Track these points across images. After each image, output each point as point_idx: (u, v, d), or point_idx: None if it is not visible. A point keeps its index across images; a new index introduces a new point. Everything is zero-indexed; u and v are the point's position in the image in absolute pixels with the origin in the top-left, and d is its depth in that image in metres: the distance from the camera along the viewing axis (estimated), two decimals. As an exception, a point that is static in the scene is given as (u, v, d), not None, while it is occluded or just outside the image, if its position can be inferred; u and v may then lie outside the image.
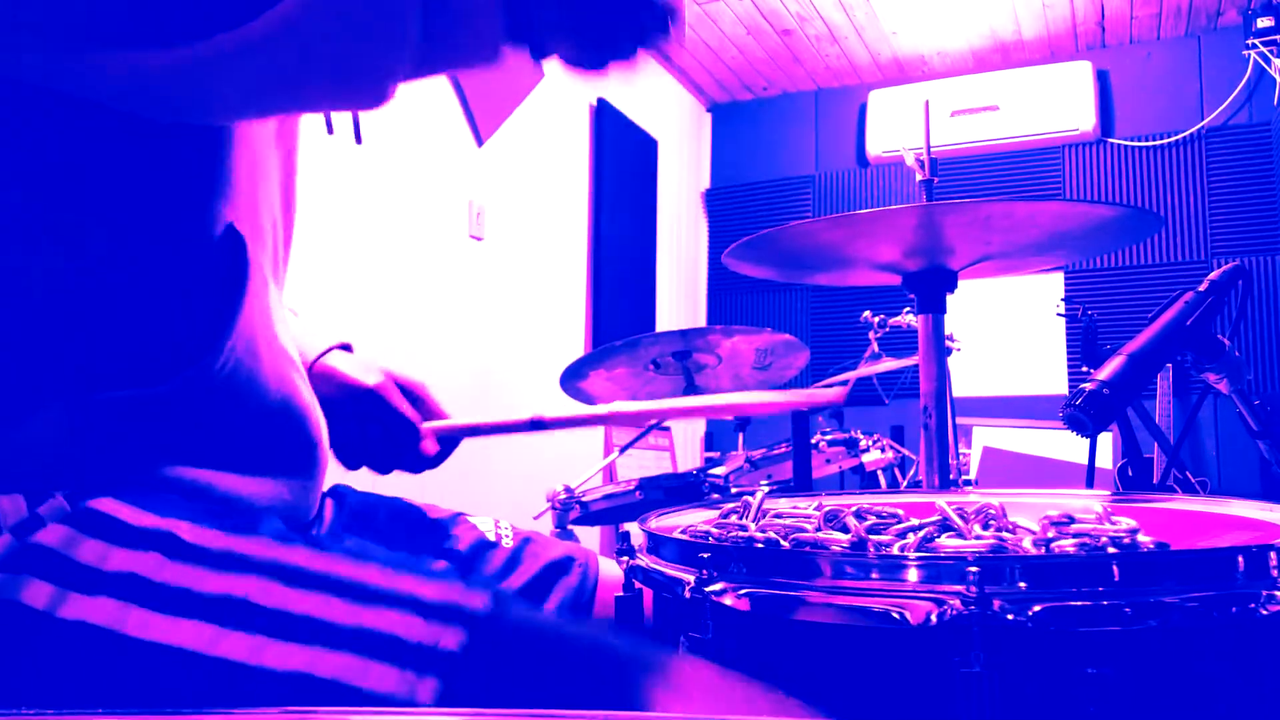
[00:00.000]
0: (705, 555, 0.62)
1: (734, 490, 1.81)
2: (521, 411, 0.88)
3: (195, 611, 0.51)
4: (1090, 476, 2.13)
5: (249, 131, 0.66)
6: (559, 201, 3.58)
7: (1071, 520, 0.67)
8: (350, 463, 0.87)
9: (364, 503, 0.89)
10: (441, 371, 2.91)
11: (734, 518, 0.80)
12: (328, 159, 2.45)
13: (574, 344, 3.60)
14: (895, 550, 0.67)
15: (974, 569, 0.53)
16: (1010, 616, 0.52)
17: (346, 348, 0.90)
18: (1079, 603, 0.53)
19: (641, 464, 3.28)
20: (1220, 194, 3.88)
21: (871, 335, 2.65)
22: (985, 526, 0.71)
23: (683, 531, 0.77)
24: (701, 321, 4.69)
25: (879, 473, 2.31)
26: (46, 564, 0.51)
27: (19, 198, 0.56)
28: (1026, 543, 0.64)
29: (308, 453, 0.71)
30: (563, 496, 1.89)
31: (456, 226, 3.01)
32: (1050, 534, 0.66)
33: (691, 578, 0.62)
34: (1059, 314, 2.63)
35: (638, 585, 0.72)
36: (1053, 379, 4.04)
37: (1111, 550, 0.62)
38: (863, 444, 2.16)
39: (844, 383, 2.73)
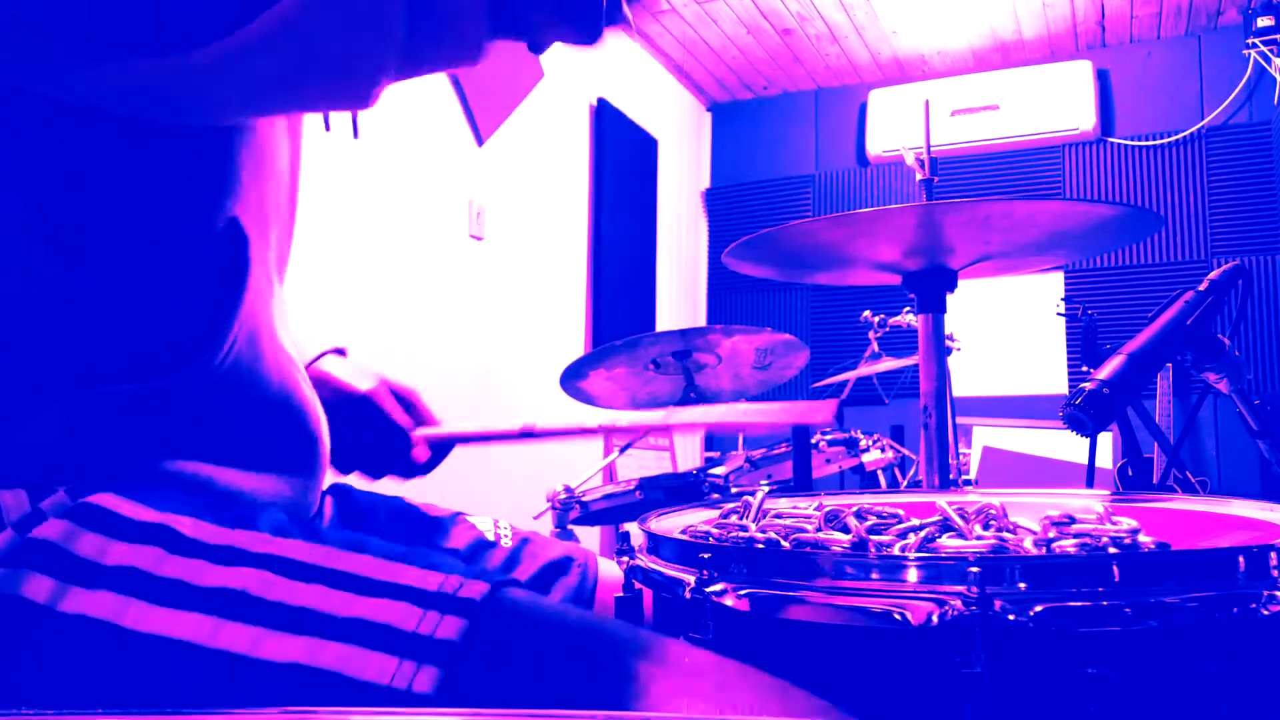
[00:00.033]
0: (705, 555, 0.62)
1: (734, 490, 1.81)
2: (522, 411, 0.88)
3: (195, 604, 0.51)
4: (1090, 476, 2.13)
5: (259, 124, 0.66)
6: (559, 201, 3.58)
7: (1072, 520, 0.67)
8: (342, 467, 0.87)
9: (364, 502, 0.89)
10: (441, 371, 2.91)
11: (734, 518, 0.80)
12: (327, 158, 2.45)
13: (574, 344, 3.60)
14: (896, 550, 0.66)
15: (975, 569, 0.53)
16: (1011, 617, 0.52)
17: (341, 352, 0.90)
18: (1080, 603, 0.53)
19: (641, 464, 3.28)
20: (1220, 194, 3.88)
21: (871, 335, 2.65)
22: (986, 526, 0.71)
23: (683, 532, 0.77)
24: (701, 321, 4.69)
25: (879, 473, 2.31)
26: (47, 558, 0.51)
27: (20, 194, 0.56)
28: (1027, 543, 0.64)
29: (308, 448, 0.71)
30: (563, 496, 1.89)
31: (456, 226, 3.01)
32: (1051, 534, 0.66)
33: (692, 578, 0.62)
34: (1059, 314, 2.63)
35: (637, 585, 0.72)
36: (1053, 379, 4.04)
37: (1112, 550, 0.62)
38: (863, 444, 2.15)
39: (838, 395, 2.73)
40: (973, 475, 3.55)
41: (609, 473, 2.44)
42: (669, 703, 0.50)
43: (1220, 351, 1.12)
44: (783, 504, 0.83)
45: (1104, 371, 1.00)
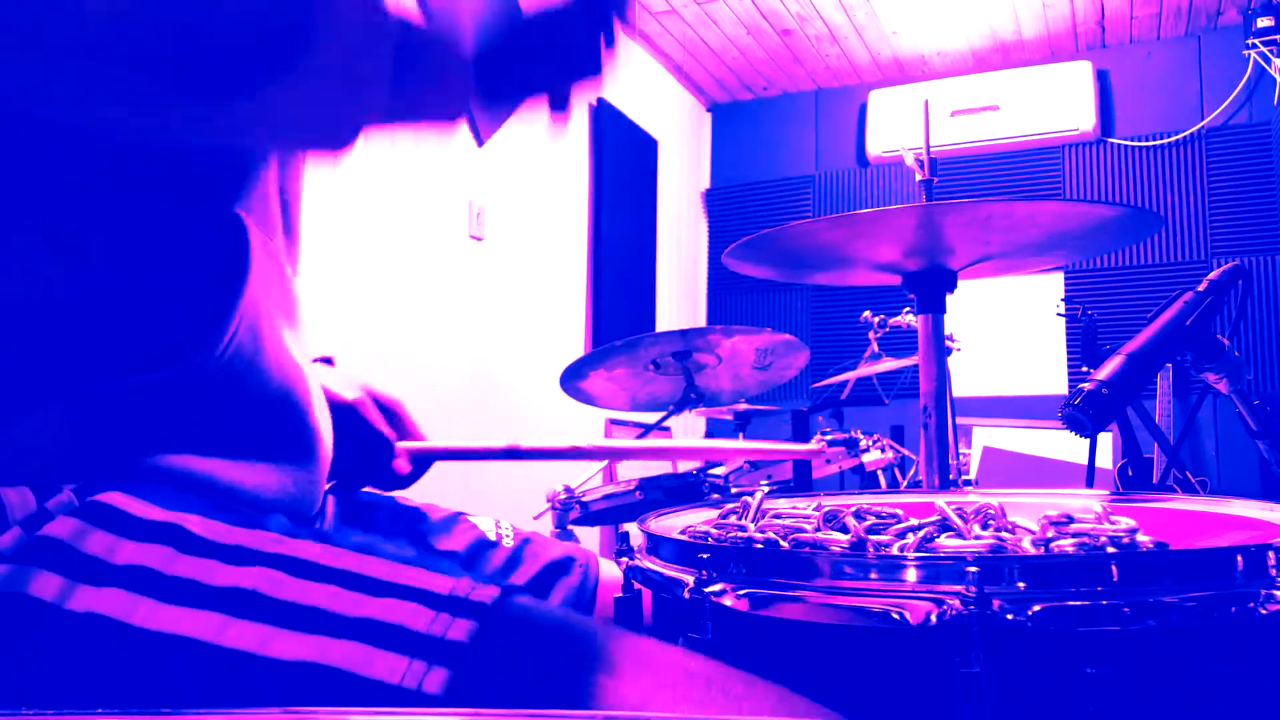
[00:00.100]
0: (704, 556, 0.62)
1: (734, 490, 1.81)
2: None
3: (205, 603, 0.51)
4: (1090, 476, 2.14)
5: None
6: (559, 201, 3.58)
7: (1071, 520, 0.67)
8: None
9: (365, 501, 0.89)
10: (441, 372, 2.91)
11: (733, 518, 0.80)
12: (328, 159, 2.45)
13: (574, 344, 3.60)
14: (894, 550, 0.67)
15: (973, 569, 0.53)
16: (1010, 616, 0.52)
17: (329, 361, 0.90)
18: (1078, 603, 0.53)
19: (641, 464, 3.28)
20: (1220, 194, 3.88)
21: (871, 335, 2.65)
22: (984, 526, 0.71)
23: (682, 532, 0.77)
24: (701, 321, 4.70)
25: (879, 473, 2.31)
26: (55, 556, 0.51)
27: (21, 192, 0.56)
28: (1026, 543, 0.64)
29: (308, 440, 0.71)
30: (563, 496, 1.89)
31: (456, 226, 3.01)
32: (1049, 534, 0.66)
33: (691, 578, 0.62)
34: (1059, 314, 2.63)
35: (637, 586, 0.72)
36: (1053, 379, 4.04)
37: (1111, 550, 0.62)
38: (863, 444, 2.15)
39: (838, 395, 2.73)
40: (973, 475, 3.55)
41: (609, 473, 2.44)
42: (669, 709, 0.50)
43: (1220, 352, 1.12)
44: (782, 504, 0.83)
45: (1103, 372, 1.00)
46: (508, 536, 0.91)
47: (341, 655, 0.49)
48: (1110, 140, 4.05)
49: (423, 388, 2.80)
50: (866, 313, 2.63)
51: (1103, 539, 0.63)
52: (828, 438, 2.11)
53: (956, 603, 0.52)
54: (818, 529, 0.73)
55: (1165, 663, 0.54)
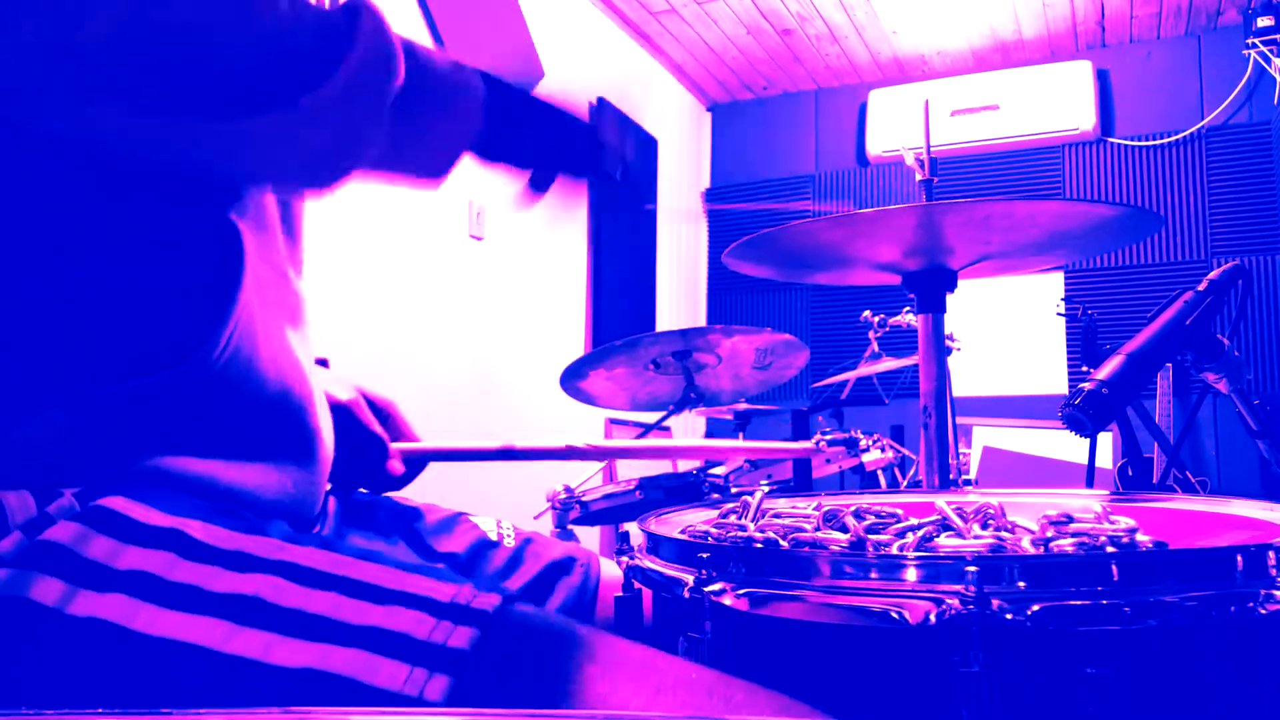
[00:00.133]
0: (704, 555, 0.62)
1: (734, 490, 1.81)
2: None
3: (207, 609, 0.51)
4: (1090, 476, 2.14)
5: None
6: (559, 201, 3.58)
7: (1070, 520, 0.67)
8: None
9: (366, 502, 0.89)
10: (441, 371, 2.91)
11: (733, 518, 0.80)
12: (328, 159, 2.45)
13: (574, 344, 3.60)
14: (894, 550, 0.67)
15: (973, 569, 0.53)
16: (1009, 616, 0.52)
17: (323, 363, 0.90)
18: (1078, 602, 0.53)
19: (641, 464, 3.28)
20: (1220, 194, 3.88)
21: (871, 335, 2.65)
22: (984, 526, 0.71)
23: (682, 531, 0.77)
24: (701, 321, 4.70)
25: (879, 473, 2.31)
26: (57, 561, 0.51)
27: (21, 199, 0.57)
28: (1025, 542, 0.64)
29: (309, 441, 0.71)
30: (563, 496, 1.89)
31: (456, 226, 3.01)
32: (1049, 534, 0.66)
33: (690, 578, 0.62)
34: (1059, 314, 2.63)
35: (637, 585, 0.72)
36: (1053, 379, 4.04)
37: (1110, 550, 0.62)
38: (863, 444, 2.15)
39: (838, 395, 2.73)
40: (973, 475, 3.55)
41: (609, 472, 2.44)
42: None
43: (1220, 351, 1.12)
44: (782, 504, 0.83)
45: (1103, 371, 1.00)
46: (509, 537, 0.91)
47: (343, 663, 0.49)
48: (1110, 140, 4.05)
49: (423, 388, 2.80)
50: (866, 313, 2.63)
51: (1102, 539, 0.63)
52: (828, 437, 2.11)
53: (956, 602, 0.52)
54: (817, 529, 0.72)
55: (1165, 663, 0.54)
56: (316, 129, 0.55)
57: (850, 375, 2.76)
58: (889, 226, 1.33)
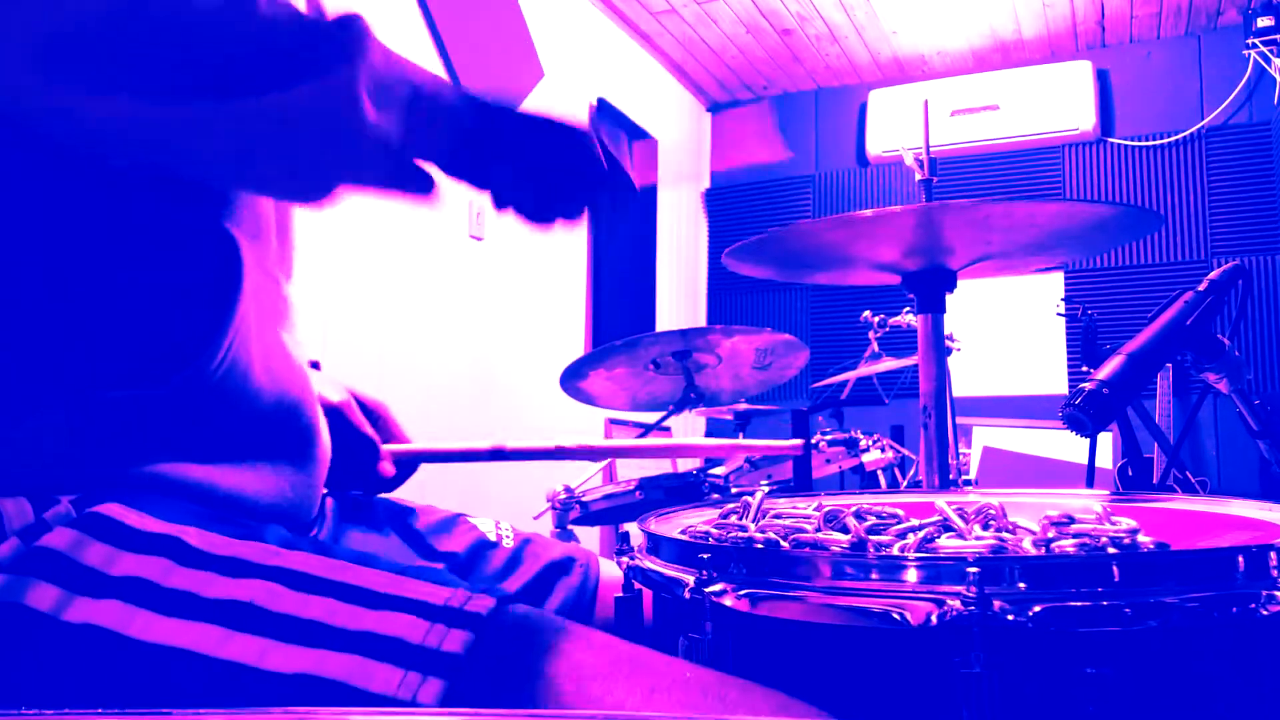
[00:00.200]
0: (705, 556, 0.62)
1: (734, 490, 1.81)
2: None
3: (202, 615, 0.51)
4: (1090, 476, 2.14)
5: None
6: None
7: (1071, 520, 0.67)
8: None
9: (364, 503, 0.89)
10: (441, 371, 2.91)
11: (734, 518, 0.80)
12: (327, 159, 2.45)
13: (574, 344, 3.60)
14: (895, 551, 0.66)
15: (974, 569, 0.53)
16: (1010, 617, 0.52)
17: (315, 365, 0.90)
18: (1079, 603, 0.52)
19: (641, 464, 3.28)
20: (1220, 194, 3.88)
21: (871, 335, 2.65)
22: (985, 527, 0.71)
23: (682, 532, 0.77)
24: (701, 321, 4.69)
25: (879, 473, 2.31)
26: (53, 567, 0.51)
27: (22, 206, 0.57)
28: (1026, 543, 0.64)
29: (306, 444, 0.71)
30: (563, 496, 1.89)
31: (456, 226, 3.01)
32: (1050, 534, 0.66)
33: (691, 578, 0.62)
34: (1059, 314, 2.63)
35: (637, 586, 0.72)
36: (1053, 379, 4.04)
37: (1111, 550, 0.62)
38: (863, 444, 2.15)
39: (838, 395, 2.73)
40: (973, 475, 3.55)
41: (609, 473, 2.44)
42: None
43: (1220, 351, 1.12)
44: (782, 504, 0.83)
45: (1104, 371, 1.00)
46: (508, 537, 0.91)
47: (338, 667, 0.50)
48: (1110, 140, 4.05)
49: (423, 388, 2.80)
50: (866, 313, 2.63)
51: (1103, 539, 0.63)
52: (828, 437, 2.11)
53: (957, 603, 0.52)
54: (818, 529, 0.72)
55: (1166, 663, 0.54)
56: (292, 130, 0.55)
57: (850, 375, 2.76)
58: (889, 226, 1.33)
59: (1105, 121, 4.08)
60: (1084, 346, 1.69)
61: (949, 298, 1.44)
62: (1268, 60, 3.76)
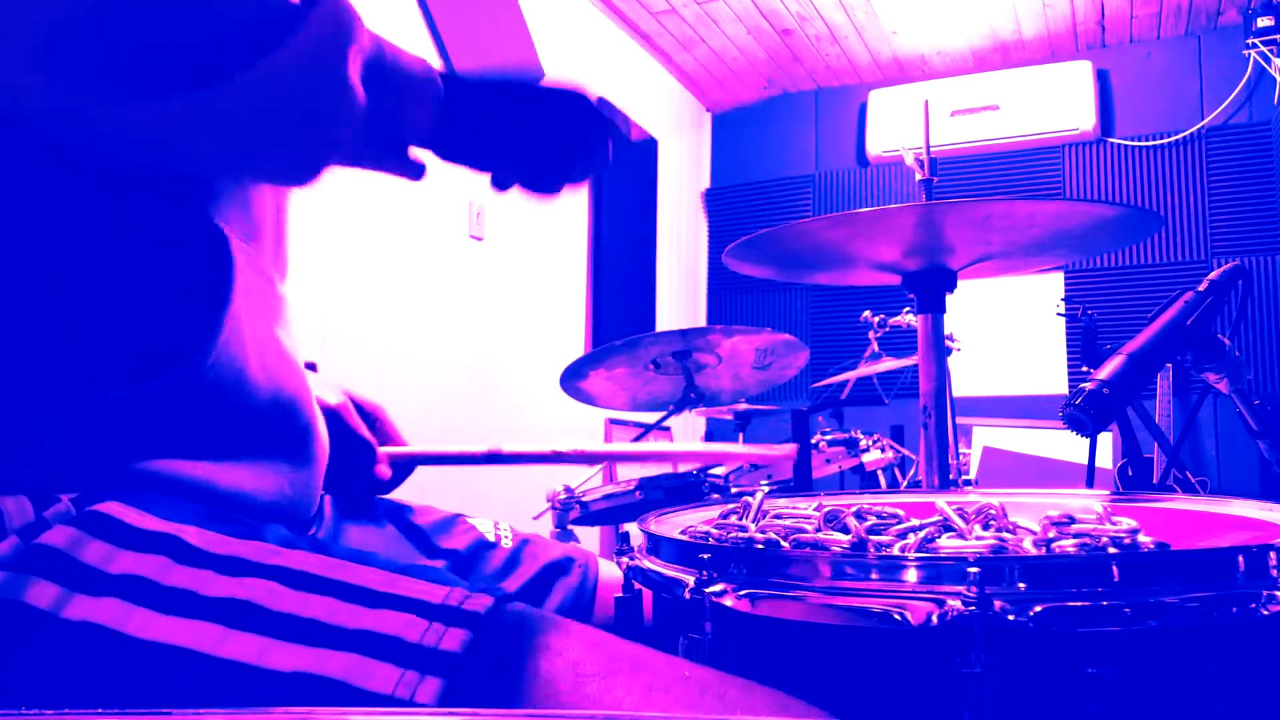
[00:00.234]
0: (705, 556, 0.62)
1: (734, 490, 1.81)
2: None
3: (201, 613, 0.51)
4: (1090, 476, 2.14)
5: None
6: (559, 201, 3.58)
7: (1072, 520, 0.67)
8: None
9: (363, 502, 0.89)
10: (441, 371, 2.91)
11: (734, 518, 0.80)
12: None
13: (574, 344, 3.60)
14: (895, 551, 0.66)
15: (974, 569, 0.53)
16: (1011, 617, 0.52)
17: (312, 367, 0.90)
18: (1079, 603, 0.52)
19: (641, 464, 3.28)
20: (1220, 194, 3.88)
21: (871, 335, 2.65)
22: (985, 527, 0.71)
23: (682, 532, 0.77)
24: (701, 321, 4.69)
25: (879, 473, 2.31)
26: (52, 565, 0.52)
27: (20, 206, 0.57)
28: (1027, 543, 0.64)
29: (304, 440, 0.71)
30: (563, 496, 1.89)
31: (456, 226, 3.01)
32: (1050, 534, 0.66)
33: (691, 578, 0.62)
34: (1059, 314, 2.63)
35: (637, 586, 0.72)
36: (1053, 379, 4.04)
37: (1111, 550, 0.62)
38: (863, 444, 2.15)
39: (838, 395, 2.73)
40: (973, 475, 3.55)
41: (609, 473, 2.44)
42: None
43: (1220, 351, 1.12)
44: (782, 504, 0.83)
45: (1104, 371, 1.00)
46: (506, 538, 0.91)
47: (337, 666, 0.50)
48: (1110, 140, 4.05)
49: (423, 388, 2.80)
50: (866, 313, 2.63)
51: (1104, 539, 0.63)
52: (828, 437, 2.11)
53: (958, 603, 0.52)
54: (818, 529, 0.72)
55: (1166, 663, 0.54)
56: (277, 98, 0.54)
57: (850, 375, 2.76)
58: (889, 226, 1.33)
59: (1105, 121, 4.08)
60: (1084, 346, 1.68)
61: (949, 298, 1.44)
62: (1268, 60, 3.76)
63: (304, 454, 0.71)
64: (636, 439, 2.50)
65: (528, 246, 3.36)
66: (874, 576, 0.57)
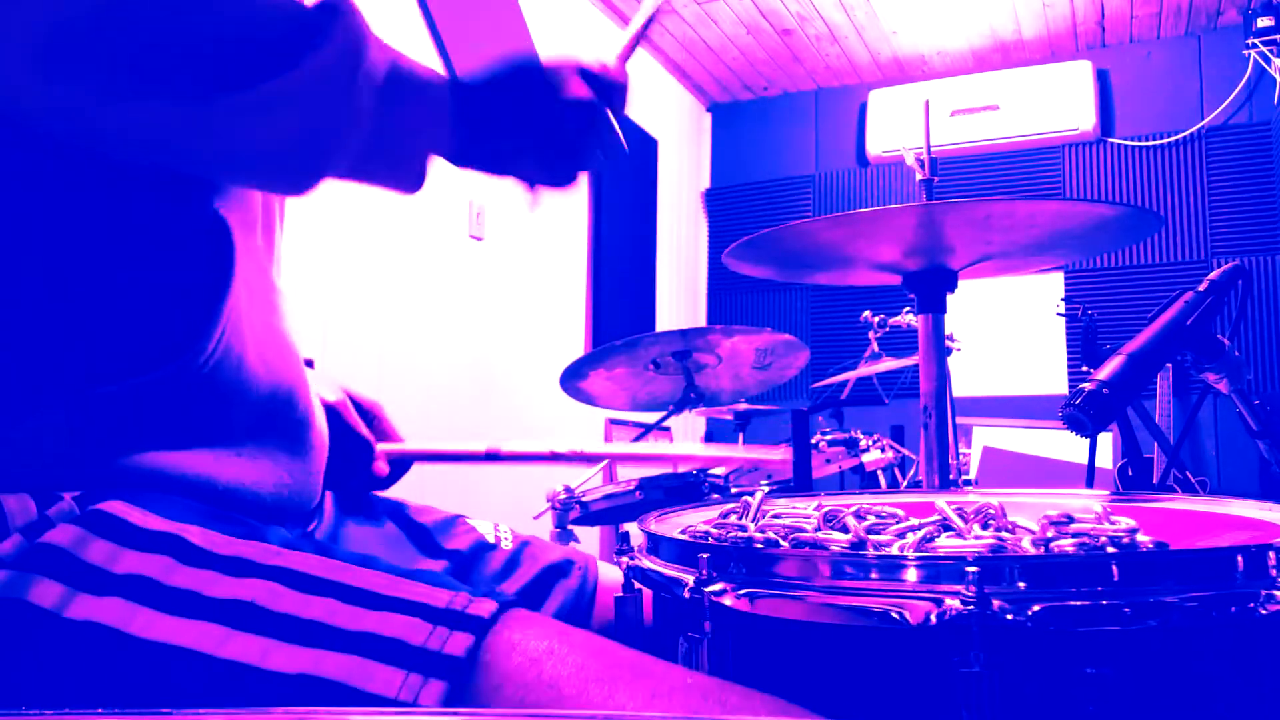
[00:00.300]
0: (704, 555, 0.62)
1: (734, 490, 1.81)
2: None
3: (204, 614, 0.51)
4: (1090, 476, 2.14)
5: None
6: (559, 201, 3.58)
7: (1071, 520, 0.67)
8: None
9: (363, 498, 0.89)
10: (441, 371, 2.91)
11: (733, 518, 0.80)
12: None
13: (574, 344, 3.60)
14: (894, 550, 0.66)
15: (973, 569, 0.53)
16: (1010, 616, 0.52)
17: (309, 364, 0.90)
18: (1078, 603, 0.52)
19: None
20: (1220, 194, 3.88)
21: (871, 335, 2.65)
22: (985, 526, 0.71)
23: (682, 532, 0.77)
24: (701, 321, 4.69)
25: (879, 473, 2.31)
26: (56, 564, 0.52)
27: (21, 206, 0.57)
28: (1026, 543, 0.64)
29: (303, 431, 0.72)
30: (563, 496, 1.89)
31: (456, 226, 3.01)
32: (1049, 534, 0.66)
33: (691, 578, 0.62)
34: (1059, 314, 2.63)
35: (637, 585, 0.72)
36: (1053, 379, 4.04)
37: (1111, 550, 0.62)
38: (863, 444, 2.15)
39: (838, 395, 2.73)
40: (973, 475, 3.55)
41: (609, 473, 2.44)
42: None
43: (1220, 351, 1.12)
44: (782, 504, 0.83)
45: (1104, 372, 1.00)
46: (506, 539, 0.91)
47: (339, 668, 0.50)
48: (1110, 140, 4.05)
49: (423, 388, 2.80)
50: (866, 313, 2.63)
51: (1103, 539, 0.63)
52: (828, 437, 2.11)
53: (956, 603, 0.52)
54: (818, 529, 0.72)
55: (1165, 663, 0.54)
56: (284, 118, 0.55)
57: (850, 375, 2.76)
58: (889, 226, 1.33)
59: (1105, 121, 4.08)
60: (1084, 346, 1.68)
61: (949, 298, 1.44)
62: (1268, 60, 3.76)
63: (301, 443, 0.71)
64: (636, 439, 2.50)
65: (528, 246, 3.36)
66: (873, 576, 0.57)
